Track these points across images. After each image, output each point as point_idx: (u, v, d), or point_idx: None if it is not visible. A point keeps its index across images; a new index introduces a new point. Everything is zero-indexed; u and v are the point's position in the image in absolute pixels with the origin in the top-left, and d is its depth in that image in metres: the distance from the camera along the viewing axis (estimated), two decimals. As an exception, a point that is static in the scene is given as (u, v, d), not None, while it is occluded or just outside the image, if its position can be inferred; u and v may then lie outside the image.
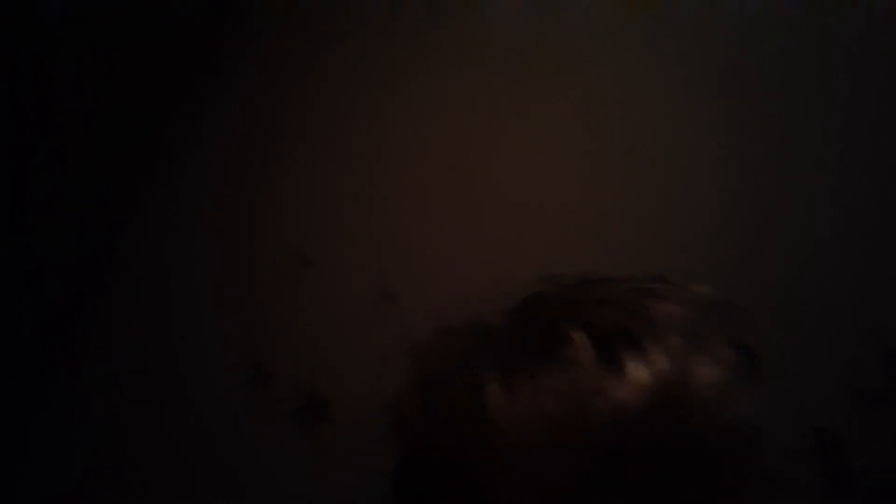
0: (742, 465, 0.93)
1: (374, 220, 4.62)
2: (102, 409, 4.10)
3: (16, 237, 3.80)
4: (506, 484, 0.88)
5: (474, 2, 4.91)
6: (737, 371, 0.99)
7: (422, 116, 4.82)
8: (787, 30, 5.03)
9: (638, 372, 0.93)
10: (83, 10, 4.15)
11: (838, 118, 4.87)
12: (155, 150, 4.67)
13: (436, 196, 4.69)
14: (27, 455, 3.92)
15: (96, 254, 4.51)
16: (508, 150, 4.80)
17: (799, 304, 4.39)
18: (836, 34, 4.98)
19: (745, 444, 0.94)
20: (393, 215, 4.63)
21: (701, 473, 0.90)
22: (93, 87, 4.34)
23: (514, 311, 1.06)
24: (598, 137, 4.86)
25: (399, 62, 4.85)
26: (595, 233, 4.70)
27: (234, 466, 3.86)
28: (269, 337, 4.36)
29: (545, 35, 5.02)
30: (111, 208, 4.57)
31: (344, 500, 3.74)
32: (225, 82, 4.74)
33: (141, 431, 4.00)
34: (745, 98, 4.93)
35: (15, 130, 3.75)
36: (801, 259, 4.62)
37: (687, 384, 0.93)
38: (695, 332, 1.00)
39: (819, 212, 4.74)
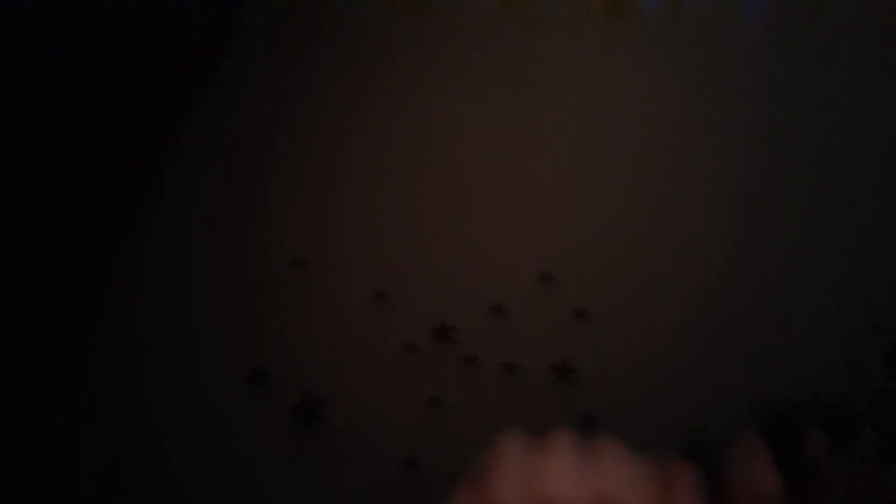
0: None
1: (368, 222, 4.66)
2: (100, 409, 4.15)
3: (21, 241, 3.85)
4: None
5: (477, 9, 4.95)
6: None
7: (417, 121, 4.86)
8: (788, 35, 5.06)
9: None
10: (83, 16, 4.19)
11: (838, 119, 4.91)
12: (155, 155, 4.71)
13: (430, 198, 4.74)
14: (28, 453, 3.97)
15: (98, 256, 4.56)
16: (503, 153, 4.83)
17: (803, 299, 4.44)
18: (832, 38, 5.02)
19: None
20: (387, 217, 4.68)
21: None
22: (94, 94, 4.38)
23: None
24: (596, 140, 4.89)
25: (395, 68, 4.89)
26: (591, 234, 4.74)
27: (229, 464, 3.90)
28: (265, 338, 4.41)
29: (546, 40, 5.05)
30: (112, 213, 4.61)
31: (338, 497, 3.79)
32: (223, 90, 4.77)
33: (137, 431, 4.04)
34: (747, 101, 4.96)
35: (16, 133, 3.78)
36: (804, 253, 4.67)
37: None
38: None
39: (817, 207, 4.78)
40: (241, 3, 5.12)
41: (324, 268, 4.62)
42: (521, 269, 4.65)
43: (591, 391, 4.16)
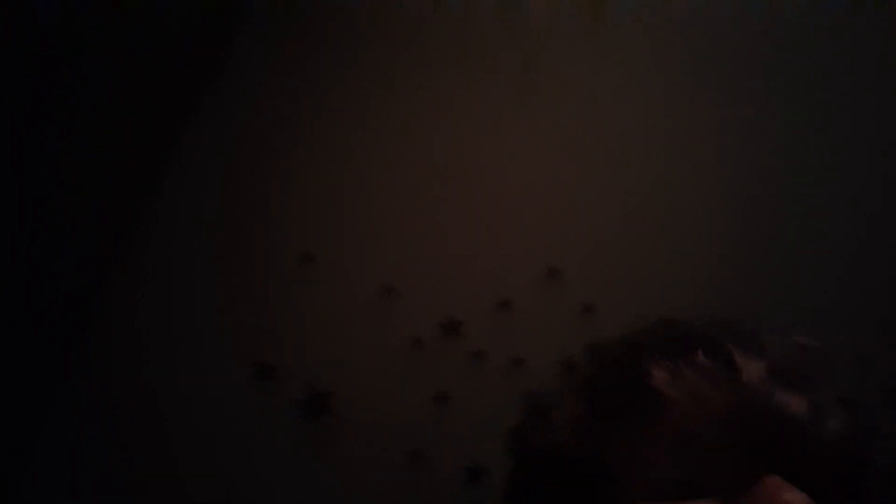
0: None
1: (374, 217, 4.64)
2: (106, 405, 4.12)
3: (21, 240, 3.82)
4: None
5: (476, 7, 4.95)
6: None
7: (423, 117, 4.84)
8: (787, 33, 5.08)
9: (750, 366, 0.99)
10: (82, 16, 4.18)
11: (837, 116, 4.92)
12: (160, 150, 4.69)
13: (436, 194, 4.71)
14: (28, 454, 3.93)
15: (100, 253, 4.54)
16: (508, 150, 4.82)
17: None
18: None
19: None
20: (394, 212, 4.66)
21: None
22: (95, 91, 4.37)
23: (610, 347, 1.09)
24: (601, 136, 4.88)
25: (399, 65, 4.88)
26: (598, 229, 4.72)
27: (235, 459, 3.87)
28: (271, 332, 4.38)
29: (546, 38, 5.05)
30: (116, 208, 4.59)
31: (345, 492, 3.76)
32: (226, 88, 4.76)
33: (142, 429, 4.01)
34: (748, 97, 4.96)
35: (17, 132, 3.76)
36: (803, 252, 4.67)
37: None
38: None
39: (822, 202, 4.78)
40: (245, 3, 5.11)
41: (330, 263, 4.59)
42: (528, 264, 4.63)
43: (600, 385, 4.14)
